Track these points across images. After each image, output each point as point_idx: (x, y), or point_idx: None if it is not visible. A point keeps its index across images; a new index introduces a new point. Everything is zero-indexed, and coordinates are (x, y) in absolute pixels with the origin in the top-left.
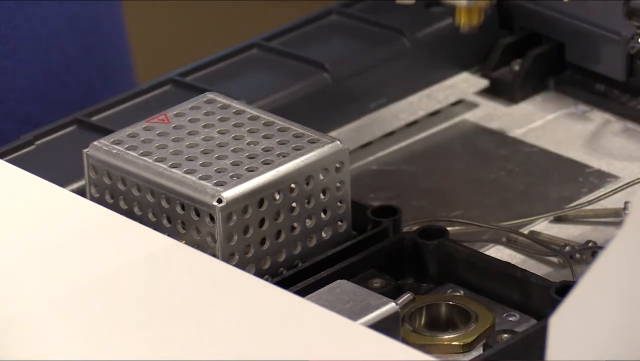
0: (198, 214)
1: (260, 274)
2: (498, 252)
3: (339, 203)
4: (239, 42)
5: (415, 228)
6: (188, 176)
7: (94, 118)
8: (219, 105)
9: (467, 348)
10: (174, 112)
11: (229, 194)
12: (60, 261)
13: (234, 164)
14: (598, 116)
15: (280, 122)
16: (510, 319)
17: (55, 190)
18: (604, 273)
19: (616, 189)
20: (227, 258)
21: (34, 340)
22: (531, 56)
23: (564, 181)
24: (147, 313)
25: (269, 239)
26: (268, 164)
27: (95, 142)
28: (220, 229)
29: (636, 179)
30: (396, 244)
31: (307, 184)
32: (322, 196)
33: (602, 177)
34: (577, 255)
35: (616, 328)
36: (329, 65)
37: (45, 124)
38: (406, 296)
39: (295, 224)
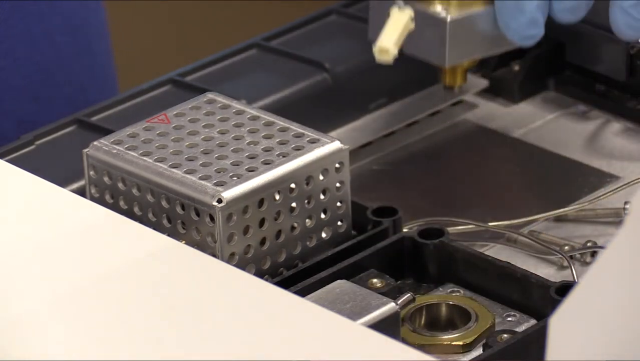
0: (198, 214)
1: (260, 274)
2: (498, 252)
3: (339, 203)
4: (239, 42)
5: (415, 228)
6: (188, 176)
7: (94, 118)
8: (219, 105)
9: (467, 348)
10: (174, 112)
11: (229, 194)
12: (60, 261)
13: (234, 164)
14: (598, 116)
15: (281, 122)
16: (510, 319)
17: (55, 190)
18: (604, 273)
19: (616, 189)
20: (227, 258)
21: (34, 339)
22: (531, 56)
23: (564, 181)
24: (147, 313)
25: (269, 239)
26: (268, 164)
27: (95, 142)
28: (220, 230)
29: (636, 179)
30: (396, 244)
31: (307, 184)
32: (322, 196)
33: (602, 177)
34: (577, 255)
35: (616, 328)
36: (329, 65)
37: (40, 124)
38: (406, 296)
39: (295, 224)
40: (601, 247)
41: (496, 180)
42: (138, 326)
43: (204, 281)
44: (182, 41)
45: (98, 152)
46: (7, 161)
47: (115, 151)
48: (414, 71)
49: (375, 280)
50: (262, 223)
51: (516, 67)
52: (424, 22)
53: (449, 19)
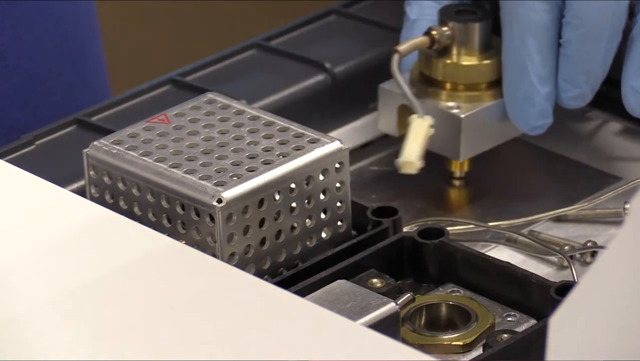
0: (198, 214)
1: (260, 274)
2: (498, 252)
3: (339, 203)
4: (239, 42)
5: (415, 228)
6: (188, 176)
7: (94, 118)
8: (219, 105)
9: (467, 348)
10: (174, 112)
11: (229, 194)
12: (60, 261)
13: (234, 164)
14: (598, 116)
15: (281, 122)
16: (510, 319)
17: (55, 190)
18: (604, 273)
19: (616, 189)
20: (227, 258)
21: (34, 339)
22: None
23: (564, 181)
24: (147, 313)
25: (269, 239)
26: (268, 164)
27: (95, 142)
28: (220, 230)
29: (636, 180)
30: (396, 244)
31: (307, 184)
32: (322, 196)
33: (603, 177)
34: (577, 255)
35: (616, 328)
36: (329, 65)
37: (30, 130)
38: (406, 296)
39: (295, 224)
40: (601, 247)
41: (496, 180)
42: (138, 326)
43: (204, 281)
44: (182, 41)
45: (98, 152)
46: (7, 161)
47: (115, 151)
48: None
49: (375, 280)
50: (262, 223)
51: None
52: (437, 117)
53: (463, 116)
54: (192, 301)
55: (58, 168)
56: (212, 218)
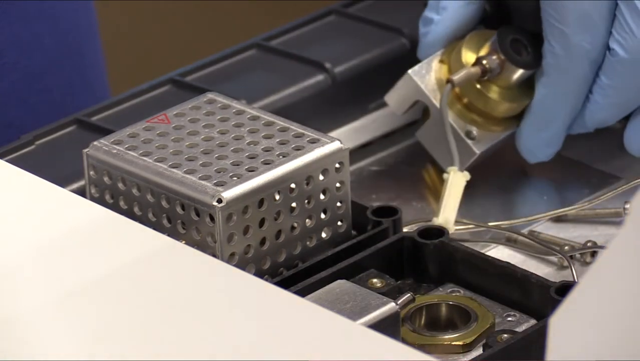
0: (198, 214)
1: (260, 274)
2: (498, 252)
3: (339, 203)
4: (239, 42)
5: (415, 228)
6: (188, 176)
7: (94, 118)
8: (219, 105)
9: (467, 348)
10: (174, 112)
11: (229, 194)
12: (60, 261)
13: (234, 164)
14: None
15: (281, 122)
16: (510, 319)
17: (55, 190)
18: (604, 273)
19: (616, 189)
20: (227, 258)
21: (34, 339)
22: None
23: (564, 181)
24: (147, 313)
25: (269, 239)
26: (268, 164)
27: (95, 142)
28: (220, 230)
29: (636, 180)
30: (396, 244)
31: (307, 184)
32: (322, 196)
33: (603, 177)
34: (577, 255)
35: (616, 328)
36: (329, 65)
37: (28, 129)
38: (406, 296)
39: (295, 224)
40: (601, 247)
41: (496, 180)
42: (138, 326)
43: (204, 281)
44: (182, 41)
45: (98, 152)
46: (7, 161)
47: (115, 151)
48: None
49: (375, 280)
50: (262, 223)
51: None
52: (453, 136)
53: (478, 152)
54: (192, 301)
55: (58, 168)
56: (212, 218)
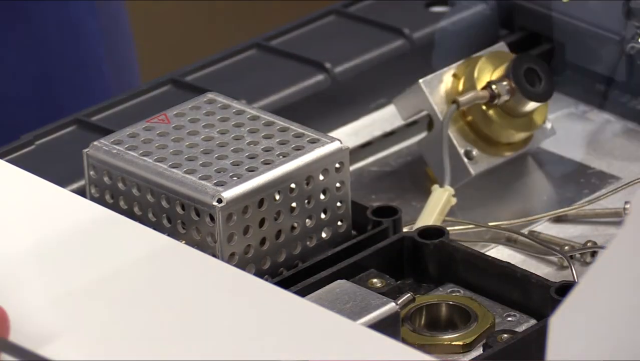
0: (198, 214)
1: (260, 274)
2: (498, 252)
3: (339, 203)
4: (239, 42)
5: (415, 228)
6: (188, 176)
7: (94, 118)
8: (219, 105)
9: (467, 348)
10: (174, 112)
11: (229, 194)
12: (60, 261)
13: (234, 164)
14: (598, 116)
15: (281, 122)
16: (510, 319)
17: (55, 190)
18: (604, 273)
19: (616, 189)
20: (227, 258)
21: (34, 339)
22: None
23: (564, 181)
24: (147, 313)
25: (269, 239)
26: (268, 164)
27: (95, 142)
28: (220, 229)
29: (636, 179)
30: (396, 244)
31: (307, 184)
32: (322, 196)
33: (603, 177)
34: (577, 255)
35: (616, 327)
36: (329, 65)
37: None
38: (406, 296)
39: (295, 224)
40: (601, 247)
41: (496, 180)
42: (138, 326)
43: (204, 281)
44: (182, 41)
45: (98, 152)
46: (7, 161)
47: (115, 151)
48: (414, 72)
49: (375, 280)
50: (262, 223)
51: None
52: (451, 151)
53: (474, 173)
54: (192, 301)
55: (58, 168)
56: (212, 218)
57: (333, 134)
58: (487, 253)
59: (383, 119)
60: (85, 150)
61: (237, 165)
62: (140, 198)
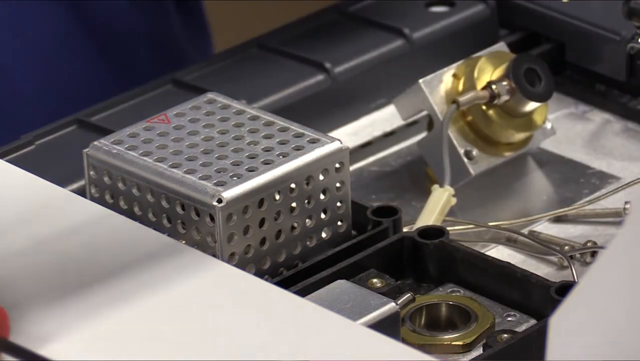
0: (198, 214)
1: (260, 274)
2: (498, 252)
3: (339, 203)
4: (239, 42)
5: (415, 228)
6: (188, 176)
7: (94, 118)
8: (219, 105)
9: (467, 348)
10: (174, 112)
11: (229, 194)
12: (60, 261)
13: (234, 164)
14: (598, 116)
15: (281, 122)
16: (510, 319)
17: (55, 190)
18: (604, 273)
19: (616, 189)
20: (228, 258)
21: (34, 339)
22: None
23: (564, 181)
24: (147, 313)
25: (269, 239)
26: (268, 164)
27: (95, 142)
28: (220, 230)
29: (636, 179)
30: (396, 244)
31: (307, 184)
32: (322, 196)
33: (603, 177)
34: (577, 255)
35: (616, 328)
36: (329, 65)
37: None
38: (406, 296)
39: (295, 224)
40: (601, 247)
41: (496, 180)
42: (138, 326)
43: (204, 281)
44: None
45: (98, 152)
46: (7, 161)
47: (115, 151)
48: (414, 72)
49: (375, 280)
50: (262, 223)
51: None
52: (451, 151)
53: (474, 173)
54: (192, 301)
55: (58, 168)
56: (212, 218)
57: (333, 134)
58: (487, 253)
59: (383, 119)
60: (85, 150)
61: (237, 165)
62: (140, 198)
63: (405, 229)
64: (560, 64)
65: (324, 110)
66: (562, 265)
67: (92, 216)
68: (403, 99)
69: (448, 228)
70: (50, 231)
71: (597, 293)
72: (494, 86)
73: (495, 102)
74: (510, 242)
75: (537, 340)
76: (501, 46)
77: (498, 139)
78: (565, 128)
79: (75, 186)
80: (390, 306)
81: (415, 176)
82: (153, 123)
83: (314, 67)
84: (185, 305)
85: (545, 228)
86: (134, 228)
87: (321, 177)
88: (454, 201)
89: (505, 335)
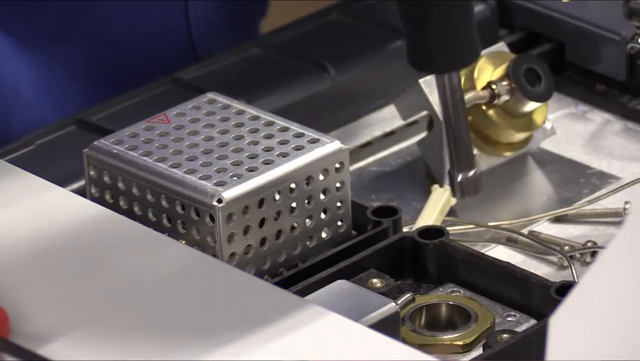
0: (198, 214)
1: (260, 274)
2: (498, 252)
3: (339, 203)
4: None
5: (415, 228)
6: (188, 176)
7: (94, 118)
8: (220, 105)
9: (467, 348)
10: (175, 112)
11: (229, 194)
12: (60, 261)
13: (235, 164)
14: (598, 116)
15: (281, 122)
16: (510, 319)
17: (55, 190)
18: (604, 273)
19: (616, 189)
20: (227, 258)
21: (34, 339)
22: None
23: (564, 181)
24: (147, 312)
25: (269, 239)
26: (268, 164)
27: (95, 142)
28: (220, 230)
29: (636, 179)
30: (396, 244)
31: (307, 184)
32: (322, 196)
33: (603, 177)
34: (577, 255)
35: (616, 328)
36: (329, 65)
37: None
38: (406, 296)
39: (295, 224)
40: (601, 247)
41: (496, 180)
42: (138, 326)
43: (204, 281)
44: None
45: (98, 152)
46: (7, 161)
47: (115, 151)
48: (414, 72)
49: (375, 280)
50: (262, 223)
51: None
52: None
53: (478, 172)
54: (192, 300)
55: (58, 168)
56: (212, 218)
57: (333, 134)
58: (487, 253)
59: (383, 119)
60: (85, 150)
61: (237, 165)
62: (140, 198)
63: (405, 229)
64: (560, 64)
65: (324, 110)
66: (562, 265)
67: (92, 216)
68: (403, 99)
69: (448, 228)
70: (50, 231)
71: (597, 293)
72: (494, 86)
73: (495, 102)
74: (510, 242)
75: (537, 340)
76: (501, 46)
77: (498, 139)
78: (565, 128)
79: (75, 186)
80: (390, 306)
81: (415, 176)
82: (153, 123)
83: (314, 67)
84: (185, 304)
85: (545, 228)
86: (134, 228)
87: (321, 177)
88: (454, 201)
89: (505, 335)
